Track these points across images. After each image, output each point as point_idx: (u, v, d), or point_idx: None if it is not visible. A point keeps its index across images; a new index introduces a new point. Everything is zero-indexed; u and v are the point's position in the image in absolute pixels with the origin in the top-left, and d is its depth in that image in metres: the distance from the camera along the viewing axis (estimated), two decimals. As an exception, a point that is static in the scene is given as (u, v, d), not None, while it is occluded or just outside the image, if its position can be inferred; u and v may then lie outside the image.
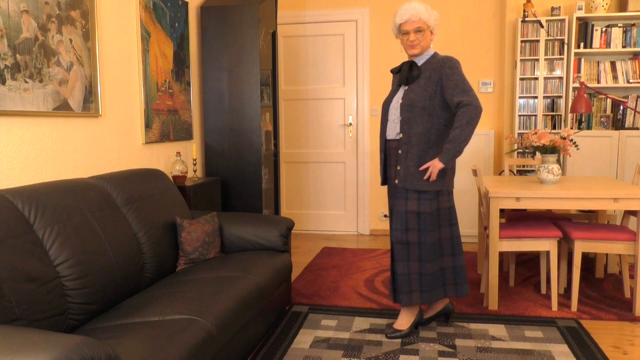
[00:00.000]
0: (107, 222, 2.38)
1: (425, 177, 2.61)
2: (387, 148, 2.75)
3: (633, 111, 4.58)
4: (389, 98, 2.75)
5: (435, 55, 2.70)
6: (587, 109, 3.64)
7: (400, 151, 2.64)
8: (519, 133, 4.78)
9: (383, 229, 5.38)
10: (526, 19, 4.64)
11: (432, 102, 2.59)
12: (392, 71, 2.80)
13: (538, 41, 4.69)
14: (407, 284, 2.73)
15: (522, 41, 4.71)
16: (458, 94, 2.52)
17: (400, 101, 2.64)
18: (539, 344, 2.72)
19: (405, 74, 2.64)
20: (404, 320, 2.83)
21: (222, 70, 4.06)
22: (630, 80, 4.61)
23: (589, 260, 4.23)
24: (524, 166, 4.79)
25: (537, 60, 4.71)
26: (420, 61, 2.70)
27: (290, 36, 5.36)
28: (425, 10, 2.59)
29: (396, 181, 2.68)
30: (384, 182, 2.84)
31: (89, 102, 2.81)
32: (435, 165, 2.57)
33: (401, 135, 2.64)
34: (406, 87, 2.66)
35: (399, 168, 2.66)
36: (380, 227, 5.39)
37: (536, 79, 4.74)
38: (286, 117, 5.43)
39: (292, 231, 5.53)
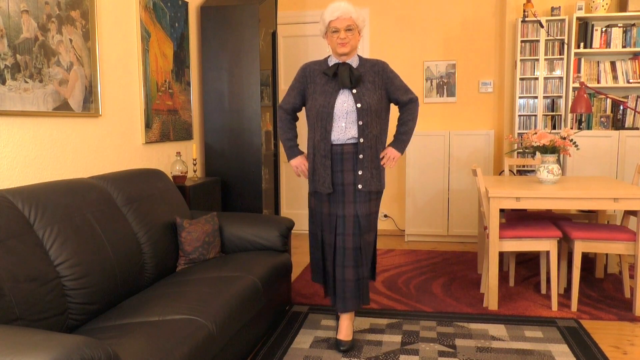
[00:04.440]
0: (107, 222, 2.38)
1: (387, 164, 2.71)
2: (333, 153, 2.65)
3: (633, 111, 4.58)
4: (328, 101, 2.62)
5: (362, 58, 2.73)
6: (587, 109, 3.64)
7: (361, 156, 2.62)
8: (519, 133, 4.78)
9: (383, 229, 5.38)
10: (526, 19, 4.64)
11: (380, 105, 2.68)
12: (326, 73, 2.64)
13: (538, 41, 4.69)
14: (366, 286, 2.72)
15: (522, 41, 4.71)
16: (405, 93, 2.73)
17: (358, 105, 2.59)
18: (539, 344, 2.72)
19: (347, 78, 2.59)
20: (351, 329, 2.76)
21: (222, 70, 4.06)
22: (630, 80, 4.61)
23: (589, 260, 4.23)
24: (524, 166, 4.79)
25: (537, 60, 4.71)
26: (354, 64, 2.68)
27: (290, 36, 5.36)
28: (354, 10, 2.60)
29: (360, 186, 2.63)
30: (330, 189, 2.67)
31: (89, 102, 2.81)
32: (394, 155, 2.71)
33: (362, 140, 2.61)
34: (354, 91, 2.61)
35: (360, 173, 2.63)
36: (380, 227, 5.39)
37: (536, 79, 4.74)
38: (286, 117, 5.42)
39: (292, 231, 5.52)
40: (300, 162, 2.77)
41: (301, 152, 2.79)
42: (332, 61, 2.69)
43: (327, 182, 2.65)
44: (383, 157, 2.71)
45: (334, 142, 2.64)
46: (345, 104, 2.61)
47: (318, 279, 2.86)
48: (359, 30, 2.65)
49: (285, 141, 2.79)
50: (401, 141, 2.76)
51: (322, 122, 2.62)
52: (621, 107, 4.65)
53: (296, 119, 2.84)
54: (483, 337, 2.82)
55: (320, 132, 2.63)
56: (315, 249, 2.84)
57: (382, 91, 2.69)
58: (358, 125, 2.60)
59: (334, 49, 2.65)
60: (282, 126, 2.80)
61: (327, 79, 2.66)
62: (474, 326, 2.96)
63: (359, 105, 2.60)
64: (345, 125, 2.62)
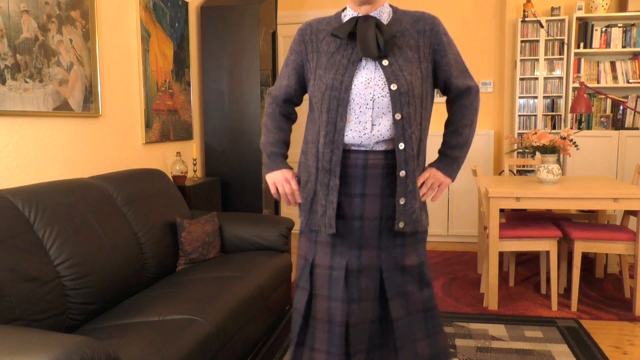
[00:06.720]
0: (107, 222, 2.38)
1: (429, 196, 1.70)
2: (348, 165, 1.61)
3: (633, 111, 4.58)
4: (340, 80, 1.56)
5: (397, 8, 1.66)
6: (587, 109, 3.64)
7: (403, 172, 1.57)
8: (519, 133, 4.78)
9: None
10: (526, 19, 4.64)
11: (425, 87, 1.62)
12: (335, 34, 1.57)
13: (538, 41, 4.69)
14: None
15: (522, 41, 4.71)
16: (462, 74, 1.67)
17: (392, 86, 1.53)
18: (539, 344, 2.72)
19: (372, 39, 1.52)
20: None
21: (222, 70, 4.06)
22: (630, 80, 4.61)
23: (589, 260, 4.23)
24: (524, 166, 4.79)
25: (537, 60, 4.71)
26: (383, 17, 1.61)
27: (290, 36, 5.36)
28: None
29: (401, 224, 1.60)
30: (333, 228, 1.61)
31: (89, 102, 2.81)
32: (441, 180, 1.68)
33: (402, 145, 1.56)
34: (384, 63, 1.55)
35: (403, 202, 1.59)
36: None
37: (536, 79, 4.74)
38: (286, 117, 5.41)
39: (292, 231, 5.52)
40: (285, 178, 1.69)
41: (288, 166, 1.73)
42: (349, 15, 1.64)
43: (329, 215, 1.61)
44: (423, 184, 1.67)
45: (351, 148, 1.60)
46: (370, 84, 1.56)
47: None
48: None
49: (267, 145, 1.73)
50: (452, 160, 1.68)
51: (331, 114, 1.57)
52: (621, 107, 4.65)
53: (291, 114, 1.79)
54: (483, 337, 2.82)
55: (327, 130, 1.59)
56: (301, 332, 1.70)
57: (429, 64, 1.62)
58: (394, 120, 1.55)
59: None
60: (267, 123, 1.76)
61: (339, 43, 1.61)
62: (474, 326, 2.96)
63: (393, 86, 1.53)
64: (371, 120, 1.57)
